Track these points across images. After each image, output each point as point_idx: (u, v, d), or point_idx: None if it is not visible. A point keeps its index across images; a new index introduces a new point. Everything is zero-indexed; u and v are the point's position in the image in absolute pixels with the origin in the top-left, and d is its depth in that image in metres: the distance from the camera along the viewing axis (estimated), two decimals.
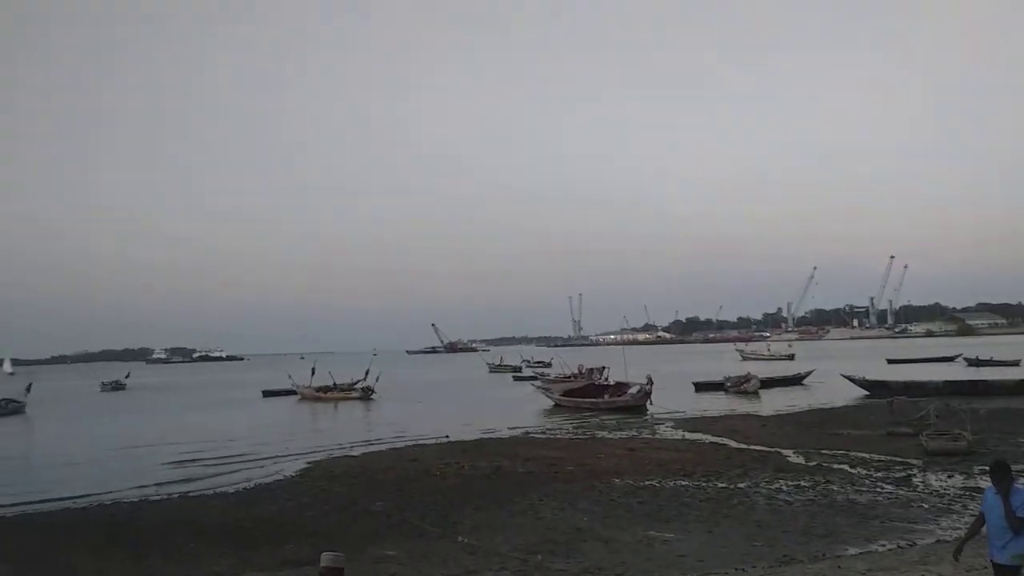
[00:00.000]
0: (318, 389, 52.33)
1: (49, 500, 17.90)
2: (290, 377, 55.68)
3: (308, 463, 22.47)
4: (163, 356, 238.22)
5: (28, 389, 50.36)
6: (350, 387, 51.94)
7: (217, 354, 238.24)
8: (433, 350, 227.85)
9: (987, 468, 16.89)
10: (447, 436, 27.20)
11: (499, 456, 21.66)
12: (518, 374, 72.21)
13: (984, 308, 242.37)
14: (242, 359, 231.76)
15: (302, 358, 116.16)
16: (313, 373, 54.55)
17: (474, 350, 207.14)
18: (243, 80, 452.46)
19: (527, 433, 28.24)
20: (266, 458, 23.94)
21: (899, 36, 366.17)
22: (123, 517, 15.70)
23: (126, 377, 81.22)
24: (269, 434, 30.98)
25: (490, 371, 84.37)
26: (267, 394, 57.20)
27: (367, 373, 52.28)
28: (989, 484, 6.47)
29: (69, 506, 17.18)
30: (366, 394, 50.12)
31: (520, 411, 36.99)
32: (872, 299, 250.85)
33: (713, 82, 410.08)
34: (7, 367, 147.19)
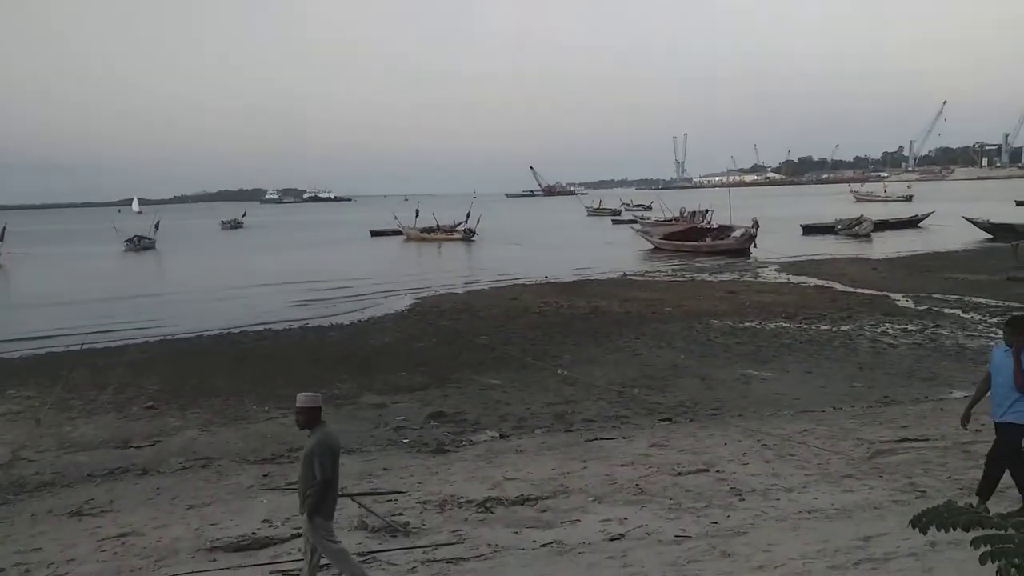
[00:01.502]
0: (423, 230, 53.82)
1: (186, 331, 19.66)
2: (396, 218, 57.28)
3: (416, 299, 23.58)
4: (275, 197, 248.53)
5: (156, 227, 53.97)
6: (453, 228, 53.12)
7: (326, 195, 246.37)
8: (531, 193, 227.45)
9: None
10: (546, 277, 27.73)
11: (597, 296, 22.03)
12: (617, 218, 71.57)
13: None
14: (349, 200, 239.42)
15: (406, 200, 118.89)
16: (417, 215, 55.90)
17: (572, 193, 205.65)
18: None
19: (625, 275, 28.43)
20: (377, 293, 25.27)
21: None
22: (250, 344, 17.17)
23: (243, 216, 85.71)
24: (379, 271, 32.49)
25: (588, 214, 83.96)
26: (375, 234, 59.38)
27: (468, 215, 53.14)
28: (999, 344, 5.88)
29: (204, 334, 18.85)
30: (468, 235, 51.21)
31: (619, 254, 37.05)
32: (1007, 136, 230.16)
33: None
34: (135, 206, 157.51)
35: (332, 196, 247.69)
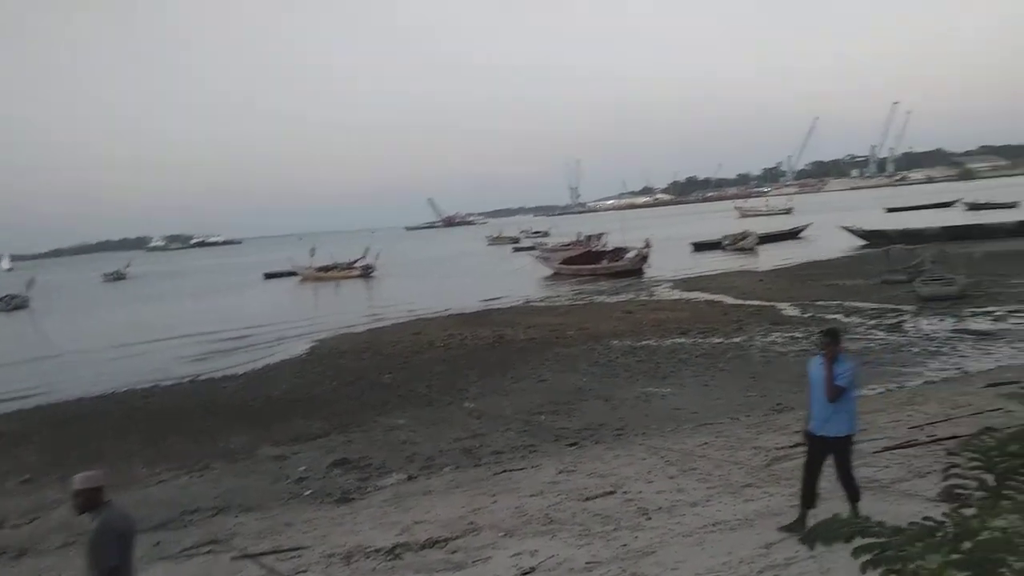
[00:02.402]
0: (319, 269, 52.69)
1: (66, 392, 18.40)
2: (290, 259, 55.88)
3: (314, 342, 22.94)
4: (161, 244, 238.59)
5: (30, 284, 50.60)
6: (350, 266, 52.28)
7: (214, 239, 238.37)
8: (431, 225, 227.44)
9: (976, 310, 17.22)
10: (448, 309, 27.62)
11: (501, 325, 22.08)
12: (517, 245, 72.43)
13: (987, 151, 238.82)
14: (239, 243, 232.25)
15: (300, 239, 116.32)
16: (313, 253, 54.73)
17: (472, 223, 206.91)
18: None
19: (527, 302, 28.66)
20: (273, 339, 24.44)
21: None
22: (138, 404, 16.21)
23: (127, 267, 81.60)
24: (274, 315, 31.47)
25: (489, 243, 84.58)
26: (268, 276, 57.70)
27: (367, 251, 52.48)
28: (838, 357, 5.93)
29: (85, 397, 17.68)
30: (367, 272, 50.52)
31: (520, 281, 37.39)
32: (873, 147, 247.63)
33: None
34: (5, 263, 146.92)
35: (222, 240, 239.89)
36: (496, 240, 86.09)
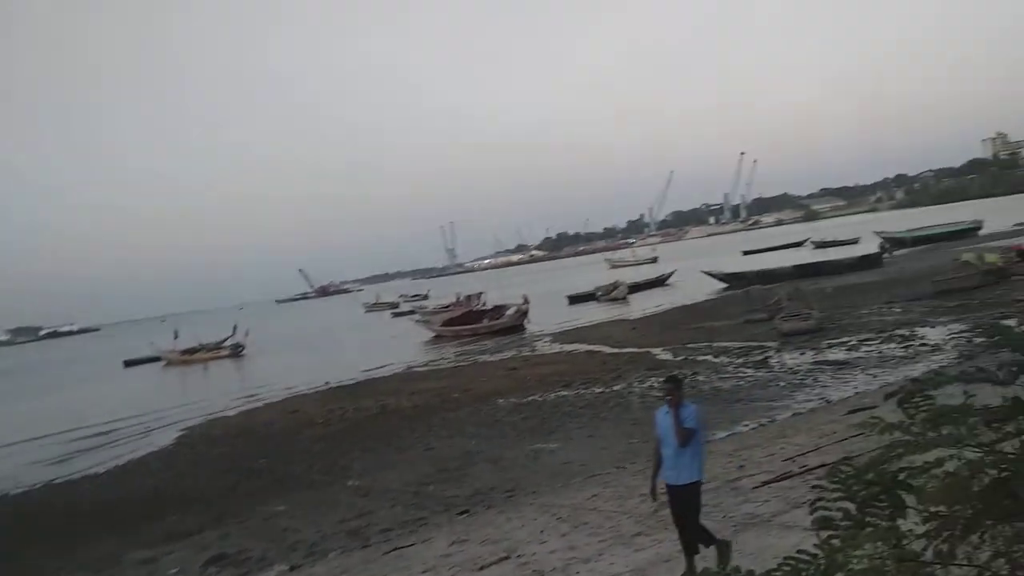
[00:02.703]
0: (184, 352, 49.81)
1: None
2: (152, 343, 52.67)
3: (182, 430, 21.52)
4: (5, 338, 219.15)
5: None
6: (218, 345, 49.81)
7: (67, 328, 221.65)
8: (304, 296, 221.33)
9: (832, 342, 18.28)
10: (327, 383, 26.72)
11: (383, 395, 21.56)
12: (396, 310, 71.61)
13: (826, 193, 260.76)
14: (97, 330, 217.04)
15: (163, 321, 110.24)
16: (176, 336, 51.79)
17: (347, 291, 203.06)
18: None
19: (410, 368, 28.22)
20: (137, 432, 22.73)
21: None
22: None
23: None
24: (137, 406, 29.28)
25: (366, 311, 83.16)
26: (129, 364, 54.01)
27: (235, 329, 50.19)
28: (688, 405, 5.96)
29: None
30: (236, 351, 48.28)
31: (401, 347, 36.82)
32: (726, 195, 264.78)
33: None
34: None
35: (77, 328, 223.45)
36: (374, 307, 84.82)
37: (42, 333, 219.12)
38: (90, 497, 14.99)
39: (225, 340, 50.00)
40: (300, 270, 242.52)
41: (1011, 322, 3.93)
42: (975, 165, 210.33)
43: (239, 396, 27.81)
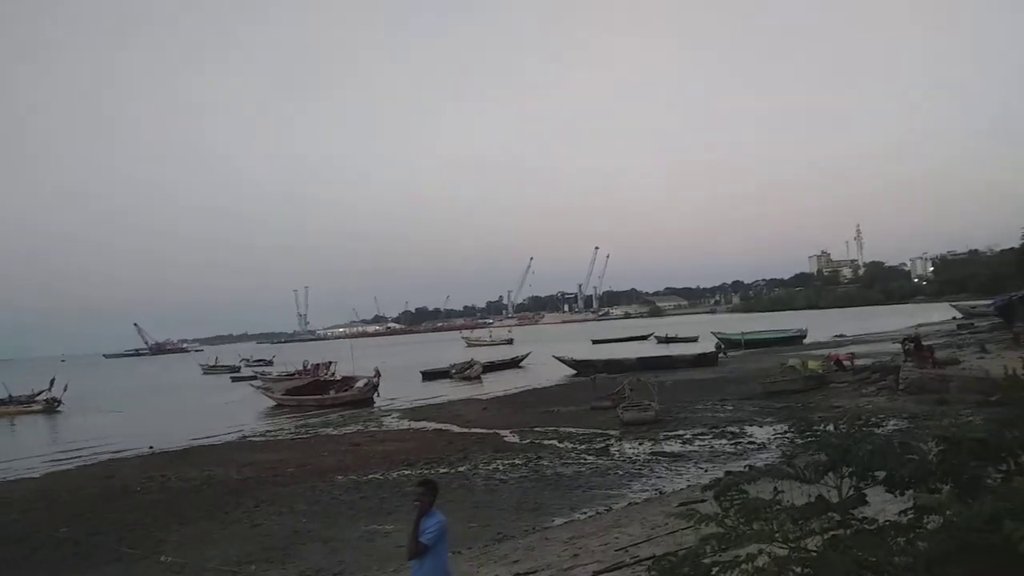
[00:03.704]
0: None
1: None
2: None
3: None
4: None
5: None
6: (30, 399, 45.08)
7: None
8: (136, 352, 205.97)
9: (669, 434, 18.96)
10: (151, 447, 24.68)
11: (211, 464, 20.15)
12: (237, 375, 67.86)
13: (670, 292, 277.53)
14: None
15: None
16: None
17: (185, 350, 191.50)
18: None
19: (244, 437, 26.61)
20: None
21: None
22: None
23: None
24: None
25: (204, 372, 78.30)
26: None
27: (52, 382, 45.72)
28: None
29: None
30: (51, 406, 43.87)
31: (238, 414, 34.74)
32: (580, 286, 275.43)
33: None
34: None
35: None
36: (212, 369, 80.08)
37: None
38: None
39: (40, 393, 45.39)
40: (136, 325, 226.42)
41: (828, 426, 4.26)
42: (801, 279, 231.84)
43: (48, 457, 25.11)
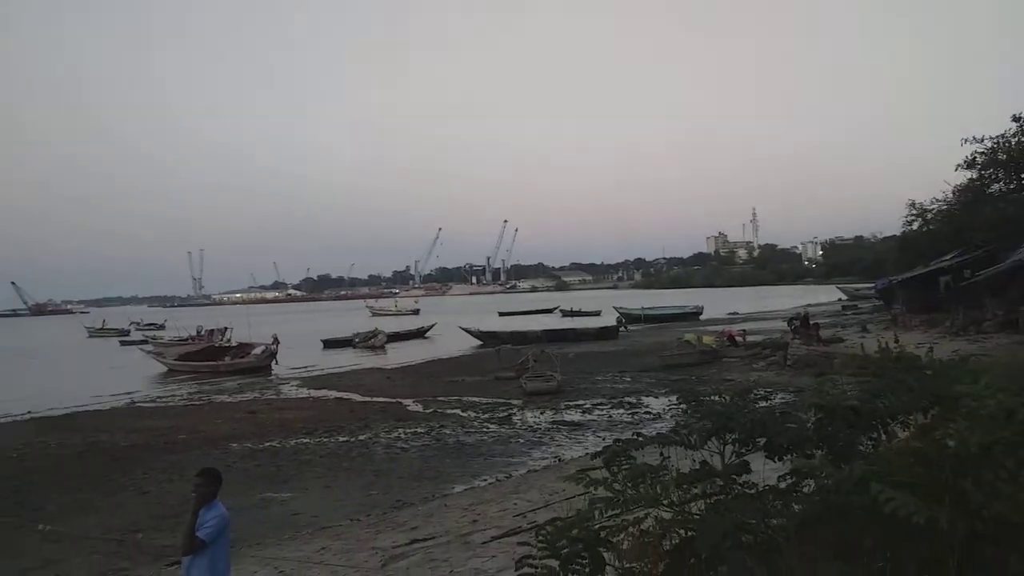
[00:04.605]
0: None
1: None
2: None
3: None
4: None
5: None
6: None
7: None
8: (14, 313, 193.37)
9: (570, 404, 19.33)
10: (28, 412, 23.34)
11: (96, 431, 19.24)
12: (126, 338, 64.78)
13: (576, 267, 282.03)
14: None
15: None
16: None
17: (69, 312, 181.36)
18: None
19: (133, 403, 25.50)
20: None
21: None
22: None
23: None
24: None
25: (89, 335, 74.44)
26: None
27: None
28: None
29: None
30: None
31: (126, 379, 33.13)
32: (488, 259, 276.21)
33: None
34: None
35: None
36: (99, 332, 76.19)
37: None
38: None
39: None
40: (13, 283, 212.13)
41: (714, 397, 4.44)
42: (700, 258, 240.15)
43: None
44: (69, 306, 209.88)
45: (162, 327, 71.44)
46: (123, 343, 60.08)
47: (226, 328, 43.96)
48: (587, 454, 14.13)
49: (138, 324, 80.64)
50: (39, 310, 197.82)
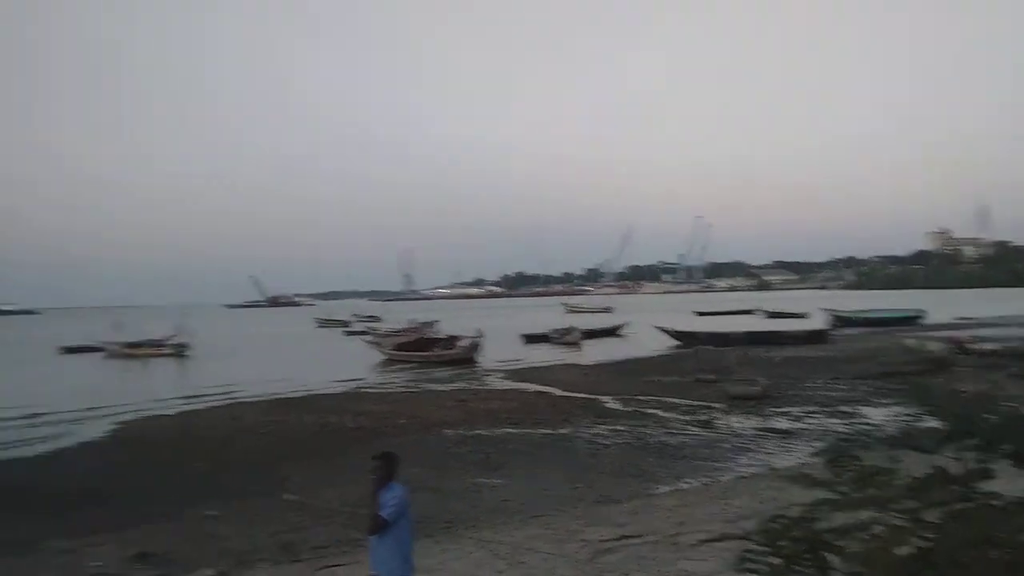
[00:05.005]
0: (127, 345, 48.62)
1: None
2: (93, 333, 51.21)
3: (117, 424, 20.95)
4: None
5: None
6: (162, 342, 48.72)
7: (7, 307, 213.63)
8: (254, 304, 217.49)
9: (777, 410, 18.57)
10: (273, 393, 26.32)
11: (327, 412, 21.32)
12: (348, 329, 70.86)
13: (779, 265, 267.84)
14: (37, 313, 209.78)
15: (106, 312, 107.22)
16: (119, 328, 50.55)
17: (298, 304, 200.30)
18: None
19: (357, 388, 27.93)
20: (70, 420, 22.02)
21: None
22: None
23: None
24: (73, 394, 28.43)
25: (318, 326, 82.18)
26: (68, 351, 52.37)
27: (181, 328, 49.19)
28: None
29: None
30: (180, 350, 47.27)
31: (350, 366, 36.37)
32: (681, 256, 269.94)
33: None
34: None
35: (15, 309, 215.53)
36: (326, 323, 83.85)
37: None
38: (12, 480, 14.49)
39: (170, 338, 48.99)
40: (252, 278, 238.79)
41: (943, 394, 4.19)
42: (921, 256, 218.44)
43: (180, 396, 27.19)
44: (298, 299, 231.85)
45: (378, 319, 77.33)
46: (346, 333, 65.75)
47: (435, 321, 46.85)
48: (800, 463, 13.59)
49: (358, 316, 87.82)
50: (274, 302, 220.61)
